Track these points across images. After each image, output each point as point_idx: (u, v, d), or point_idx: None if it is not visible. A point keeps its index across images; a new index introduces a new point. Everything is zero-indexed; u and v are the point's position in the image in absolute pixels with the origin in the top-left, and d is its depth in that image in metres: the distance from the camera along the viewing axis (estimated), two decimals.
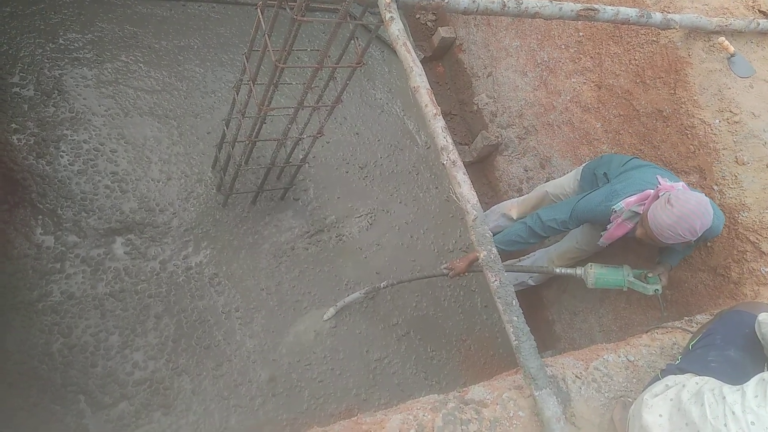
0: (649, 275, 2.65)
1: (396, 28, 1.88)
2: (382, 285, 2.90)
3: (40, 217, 2.64)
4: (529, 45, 3.84)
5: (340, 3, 1.92)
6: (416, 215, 3.51)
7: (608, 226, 2.60)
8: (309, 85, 2.29)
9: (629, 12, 2.51)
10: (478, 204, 1.70)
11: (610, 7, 2.46)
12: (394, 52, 2.07)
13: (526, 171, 3.88)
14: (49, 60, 2.99)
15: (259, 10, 2.08)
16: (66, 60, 3.04)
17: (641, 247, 2.90)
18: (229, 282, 2.85)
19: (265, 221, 3.07)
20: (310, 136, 2.61)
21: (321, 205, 3.24)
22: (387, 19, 1.90)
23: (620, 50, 3.19)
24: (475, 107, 4.31)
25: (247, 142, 2.51)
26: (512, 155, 4.03)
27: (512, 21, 3.99)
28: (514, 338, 1.57)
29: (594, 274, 2.75)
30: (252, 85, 2.29)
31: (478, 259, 2.93)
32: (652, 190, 2.46)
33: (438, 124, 1.77)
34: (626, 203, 2.48)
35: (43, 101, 2.88)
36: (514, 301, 1.61)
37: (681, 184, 2.52)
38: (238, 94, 2.52)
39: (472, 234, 1.67)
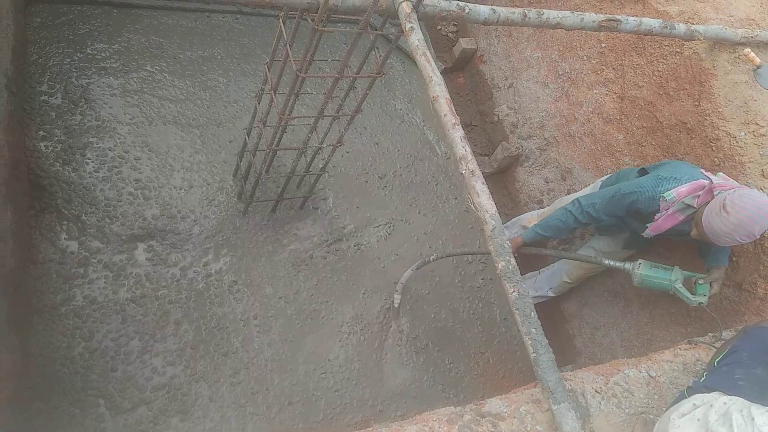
0: (700, 282, 2.51)
1: (416, 38, 1.89)
2: (431, 258, 3.08)
3: (65, 222, 2.69)
4: (550, 56, 3.83)
5: (361, 14, 1.94)
6: (435, 225, 3.50)
7: (656, 216, 2.48)
8: (329, 94, 2.30)
9: (652, 23, 2.49)
10: (497, 214, 1.69)
11: (632, 18, 2.44)
12: (414, 62, 2.08)
13: (547, 182, 3.85)
14: (77, 69, 3.06)
15: (281, 20, 2.11)
16: (93, 69, 3.11)
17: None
18: (248, 289, 2.86)
19: (284, 230, 3.09)
20: (329, 145, 2.63)
21: (340, 215, 3.25)
22: (407, 29, 1.91)
23: (643, 61, 3.16)
24: (496, 118, 4.30)
25: (267, 150, 2.53)
26: (533, 166, 4.00)
27: (533, 32, 3.98)
28: (532, 351, 1.55)
29: (640, 274, 2.66)
30: (273, 94, 2.31)
31: (524, 244, 2.99)
32: (705, 181, 2.37)
33: (457, 134, 1.77)
34: (678, 193, 2.38)
35: (71, 109, 2.94)
36: (532, 313, 1.59)
37: (722, 176, 2.44)
38: (259, 103, 2.54)
39: (491, 244, 1.66)
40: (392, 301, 3.09)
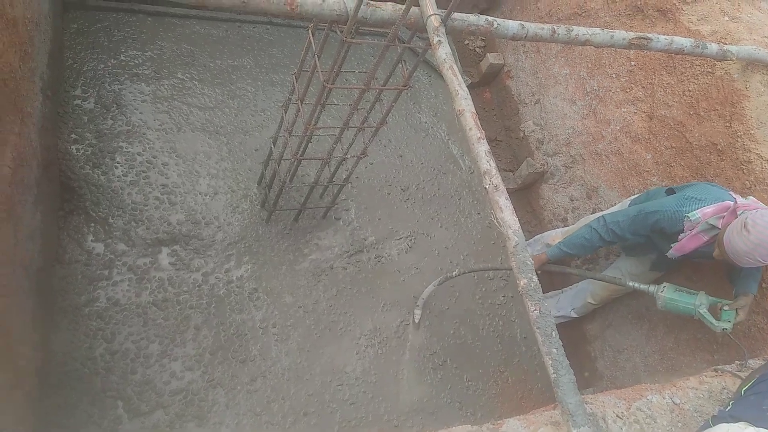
0: (725, 308, 2.46)
1: (443, 52, 1.89)
2: (454, 273, 3.05)
3: (92, 224, 2.73)
4: (578, 73, 3.80)
5: (390, 27, 1.94)
6: (457, 240, 3.48)
7: (680, 236, 2.46)
8: (355, 106, 2.31)
9: (683, 42, 2.45)
10: (520, 230, 1.67)
11: (663, 37, 2.41)
12: (440, 76, 2.08)
13: (572, 201, 3.80)
14: (110, 75, 3.13)
15: (310, 31, 2.13)
16: (126, 75, 3.17)
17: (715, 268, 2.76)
18: (268, 297, 2.87)
19: (306, 239, 3.10)
20: (353, 156, 2.63)
21: (362, 226, 3.25)
22: (435, 42, 1.91)
23: (673, 81, 3.12)
24: (522, 134, 4.28)
25: (292, 160, 2.55)
26: (558, 184, 3.96)
27: (562, 49, 3.96)
28: (552, 371, 1.52)
29: (664, 297, 2.62)
30: (300, 104, 2.33)
31: (548, 262, 2.94)
32: (731, 202, 2.35)
33: (481, 148, 1.76)
34: (703, 214, 2.36)
35: (102, 114, 3.00)
36: (553, 333, 1.56)
37: (753, 200, 2.41)
38: (286, 112, 2.57)
39: (513, 260, 1.64)
40: (413, 317, 3.07)
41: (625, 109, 3.43)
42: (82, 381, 2.42)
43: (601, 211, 3.36)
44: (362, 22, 1.96)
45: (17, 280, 1.91)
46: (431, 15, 1.93)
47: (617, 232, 2.69)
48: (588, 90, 3.72)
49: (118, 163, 2.92)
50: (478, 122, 1.80)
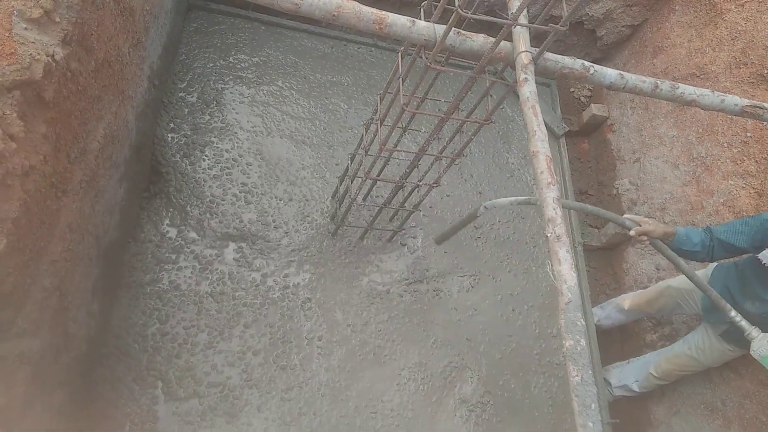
0: None
1: (528, 90, 1.82)
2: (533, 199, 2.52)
3: (171, 209, 2.87)
4: (686, 136, 3.55)
5: (478, 59, 1.90)
6: (524, 289, 3.32)
7: None
8: (433, 133, 2.28)
9: None
10: (576, 287, 1.54)
11: None
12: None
13: (658, 270, 3.53)
14: (216, 74, 3.31)
15: (399, 55, 2.14)
16: (230, 77, 3.35)
17: None
18: (320, 309, 2.87)
19: (368, 259, 3.08)
20: (426, 184, 2.59)
21: (426, 256, 3.19)
22: (521, 79, 1.84)
23: None
24: (615, 191, 4.05)
25: (364, 178, 2.55)
26: (645, 249, 3.69)
27: (672, 109, 3.72)
28: None
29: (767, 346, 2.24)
30: (379, 124, 2.34)
31: (672, 235, 2.53)
32: None
33: (550, 194, 1.66)
34: None
35: (202, 109, 3.18)
36: (593, 404, 1.41)
37: None
38: (366, 132, 2.58)
39: (562, 318, 1.51)
40: (479, 209, 2.57)
41: (733, 182, 3.14)
42: (130, 356, 2.52)
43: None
44: (450, 50, 1.94)
45: (85, 248, 2.03)
46: (522, 51, 1.87)
47: (724, 239, 2.42)
48: (694, 156, 3.46)
49: (206, 156, 3.06)
50: (552, 167, 1.71)
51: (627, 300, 3.26)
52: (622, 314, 3.34)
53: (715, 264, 2.77)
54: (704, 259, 2.50)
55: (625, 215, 2.47)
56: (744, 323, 2.30)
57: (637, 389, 3.12)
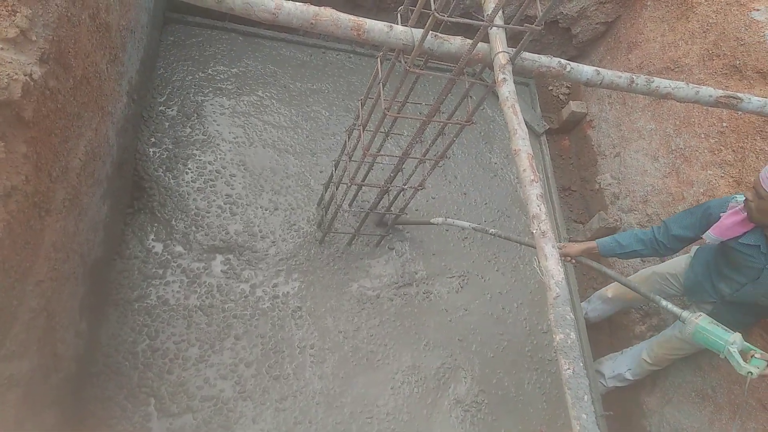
0: (757, 356, 2.29)
1: (507, 90, 1.84)
2: (491, 231, 2.85)
3: (156, 224, 2.85)
4: (664, 129, 3.61)
5: (456, 61, 1.92)
6: (512, 287, 3.35)
7: (721, 213, 2.39)
8: (416, 137, 2.30)
9: None
10: (564, 281, 1.56)
11: (757, 98, 2.23)
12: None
13: (644, 261, 3.57)
14: (196, 87, 3.30)
15: (378, 60, 2.15)
16: (210, 88, 3.34)
17: None
18: (310, 318, 2.87)
19: (356, 264, 3.09)
20: (411, 187, 2.61)
21: (414, 259, 3.20)
22: (500, 79, 1.87)
23: None
24: (597, 186, 4.10)
25: (349, 184, 2.55)
26: None
27: (650, 102, 3.78)
28: None
29: (698, 324, 2.39)
30: (362, 130, 2.35)
31: (595, 250, 2.75)
32: None
33: (534, 191, 1.68)
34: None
35: (183, 122, 3.16)
36: (586, 396, 1.43)
37: None
38: (349, 138, 2.59)
39: (551, 313, 1.53)
40: (433, 220, 2.97)
41: (711, 172, 3.20)
42: (121, 374, 2.49)
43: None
44: (429, 54, 1.96)
45: (71, 267, 2.01)
46: (499, 52, 1.89)
47: (670, 226, 2.58)
48: (673, 148, 3.52)
49: (189, 169, 3.05)
50: (534, 164, 1.73)
51: (610, 289, 3.33)
52: (607, 304, 3.39)
53: (697, 247, 2.83)
54: (659, 254, 2.66)
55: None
56: (675, 308, 2.47)
57: (630, 377, 3.16)
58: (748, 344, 2.33)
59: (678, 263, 2.95)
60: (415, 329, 3.01)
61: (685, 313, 2.44)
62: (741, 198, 2.35)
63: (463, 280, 3.24)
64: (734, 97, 2.21)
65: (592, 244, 2.75)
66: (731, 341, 2.31)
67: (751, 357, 2.29)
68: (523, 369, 3.14)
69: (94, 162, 2.14)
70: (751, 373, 2.26)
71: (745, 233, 2.33)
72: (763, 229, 2.31)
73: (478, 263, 3.34)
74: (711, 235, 2.42)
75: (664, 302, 2.51)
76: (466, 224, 2.91)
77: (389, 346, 2.92)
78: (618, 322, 3.70)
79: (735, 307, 2.61)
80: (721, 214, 2.39)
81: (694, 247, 2.89)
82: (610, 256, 2.79)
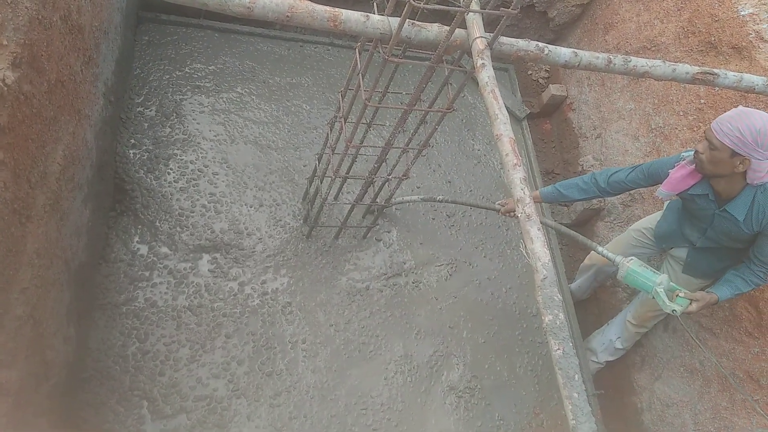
0: (681, 294, 2.45)
1: (486, 75, 1.84)
2: (438, 198, 3.11)
3: (140, 226, 2.83)
4: (644, 109, 3.64)
5: (434, 48, 1.92)
6: (500, 272, 3.37)
7: (669, 171, 2.52)
8: (398, 126, 2.29)
9: (755, 80, 2.29)
10: (550, 263, 1.58)
11: (732, 73, 2.26)
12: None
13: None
14: (174, 86, 3.26)
15: (357, 51, 2.14)
16: (188, 87, 3.30)
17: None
18: (301, 312, 2.86)
19: (344, 257, 3.08)
20: (395, 177, 2.61)
21: (402, 249, 3.20)
22: (478, 65, 1.87)
23: None
24: (580, 168, 4.13)
25: (333, 177, 2.55)
26: (614, 222, 3.78)
27: (628, 83, 3.81)
28: (571, 417, 1.41)
29: (629, 268, 2.54)
30: (343, 122, 2.34)
31: (538, 199, 2.92)
32: None
33: (517, 175, 1.69)
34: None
35: (162, 122, 3.13)
36: (576, 375, 1.45)
37: None
38: (331, 130, 2.58)
39: (539, 294, 1.55)
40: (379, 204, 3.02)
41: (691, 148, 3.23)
42: (112, 378, 2.47)
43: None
44: (407, 42, 1.95)
45: (55, 273, 1.98)
46: (477, 38, 1.89)
47: (610, 173, 2.76)
48: (653, 127, 3.55)
49: (171, 169, 3.02)
50: (516, 148, 1.73)
51: (588, 258, 3.42)
52: (586, 271, 3.47)
53: (668, 202, 2.95)
54: (600, 196, 2.84)
55: (497, 201, 3.06)
56: (609, 254, 2.65)
57: (620, 345, 3.20)
58: (675, 284, 2.51)
59: (653, 218, 3.06)
60: (405, 319, 3.02)
61: (618, 258, 2.61)
62: (686, 154, 2.49)
63: (452, 267, 3.25)
64: (710, 73, 2.23)
65: (536, 192, 2.97)
66: (658, 282, 2.48)
67: (676, 296, 2.47)
68: (514, 353, 3.16)
69: (74, 166, 2.11)
70: (675, 310, 2.44)
71: (693, 185, 2.47)
72: (709, 180, 2.43)
73: (466, 250, 3.35)
74: (663, 191, 2.55)
75: (600, 248, 2.71)
76: (415, 198, 3.14)
77: (381, 337, 2.93)
78: (605, 301, 3.74)
79: (708, 253, 2.70)
80: (669, 171, 2.52)
81: (666, 203, 2.99)
82: (551, 202, 3.10)
